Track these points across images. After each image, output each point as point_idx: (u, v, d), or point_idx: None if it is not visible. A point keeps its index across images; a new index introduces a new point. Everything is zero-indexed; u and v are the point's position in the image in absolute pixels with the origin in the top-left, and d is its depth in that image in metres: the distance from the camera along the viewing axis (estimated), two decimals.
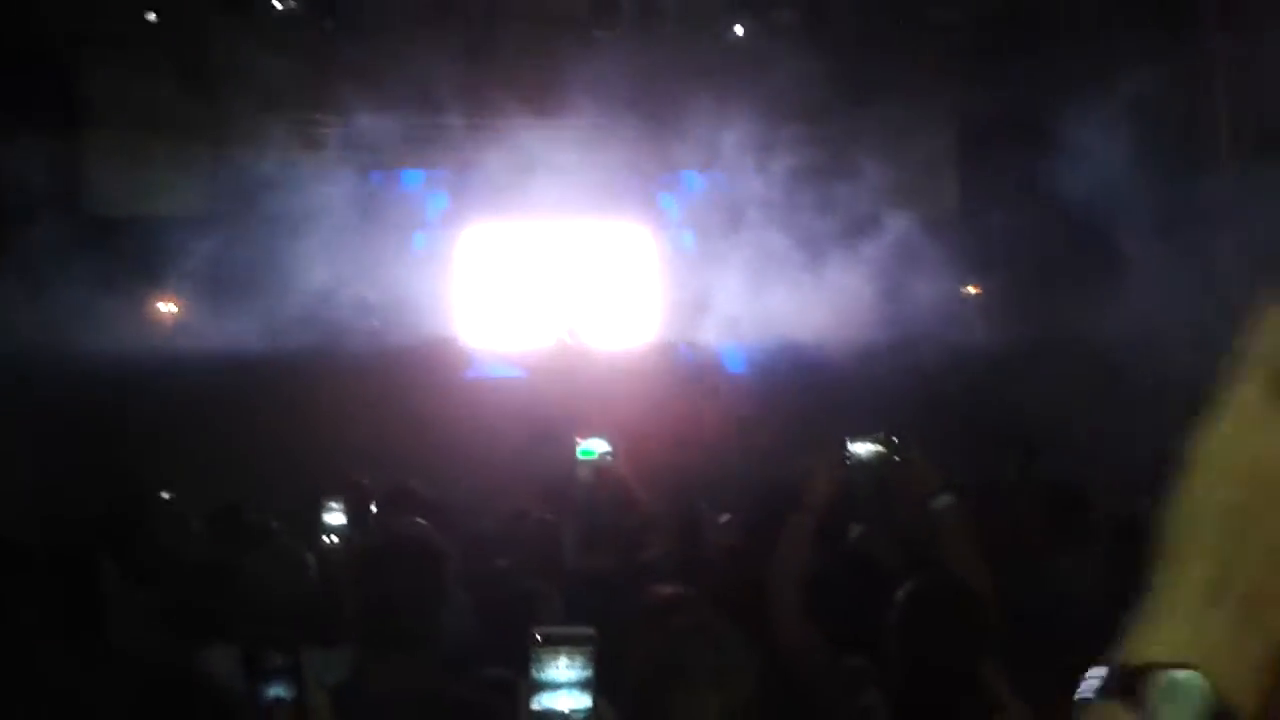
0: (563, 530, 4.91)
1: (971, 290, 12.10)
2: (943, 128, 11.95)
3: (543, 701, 1.64)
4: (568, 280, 12.13)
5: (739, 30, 11.01)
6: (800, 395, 10.32)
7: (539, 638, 1.63)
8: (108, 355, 9.82)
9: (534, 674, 1.61)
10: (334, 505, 4.54)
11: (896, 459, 3.31)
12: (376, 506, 5.28)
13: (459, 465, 8.23)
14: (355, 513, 4.76)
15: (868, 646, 2.87)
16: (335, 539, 4.32)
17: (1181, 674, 0.78)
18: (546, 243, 12.37)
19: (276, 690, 2.12)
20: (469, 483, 7.07)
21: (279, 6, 10.44)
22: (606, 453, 5.14)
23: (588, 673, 1.62)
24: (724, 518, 5.44)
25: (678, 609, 2.93)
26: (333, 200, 12.00)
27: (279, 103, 11.10)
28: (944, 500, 3.22)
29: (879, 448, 3.33)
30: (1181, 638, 0.80)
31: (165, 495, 5.04)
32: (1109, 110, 9.07)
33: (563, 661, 1.61)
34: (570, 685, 1.61)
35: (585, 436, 5.23)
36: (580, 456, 4.97)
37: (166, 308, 11.50)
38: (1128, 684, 0.79)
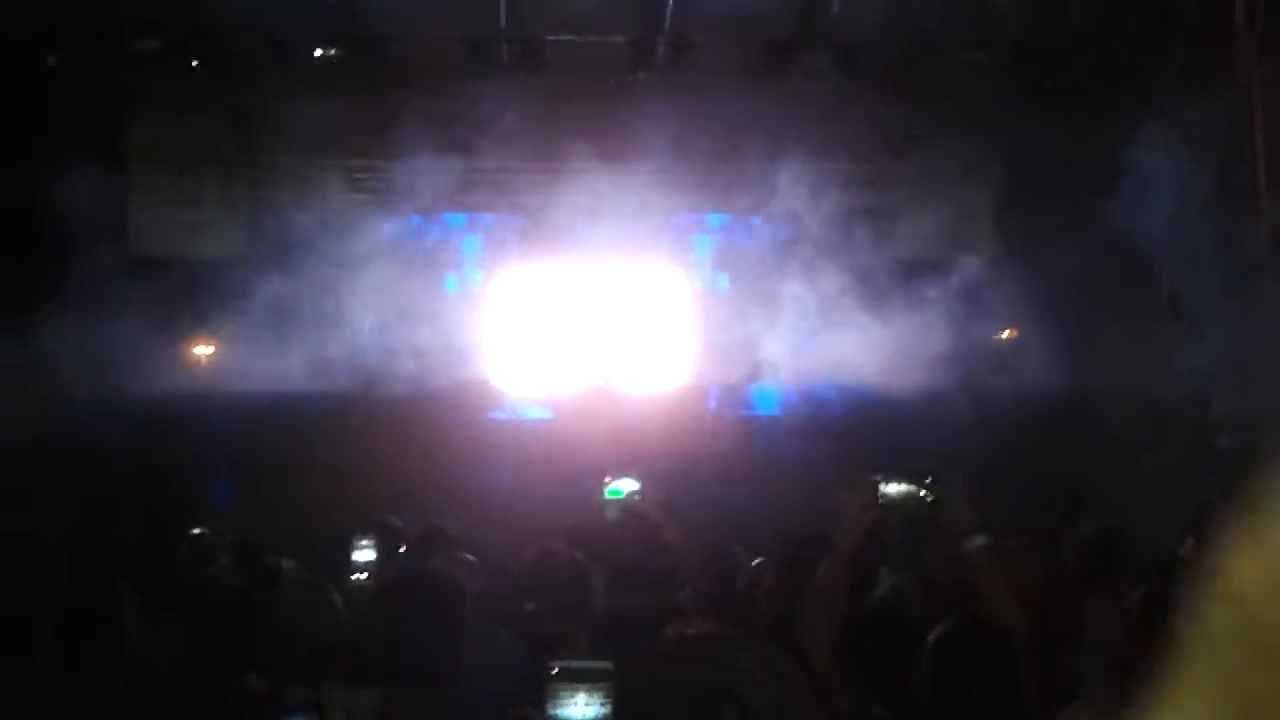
0: (591, 571, 4.85)
1: (1009, 334, 12.00)
2: (981, 171, 11.90)
3: None
4: (601, 323, 12.15)
5: (773, 74, 11.03)
6: (834, 439, 10.24)
7: (555, 671, 1.59)
8: (147, 393, 9.92)
9: (550, 710, 1.57)
10: (364, 544, 4.53)
11: (929, 499, 3.25)
12: (407, 547, 5.27)
13: (490, 506, 8.20)
14: (385, 552, 4.76)
15: (897, 690, 2.81)
16: (364, 577, 4.30)
17: None
18: (581, 285, 12.40)
19: None
20: (499, 524, 7.03)
21: (319, 54, 10.57)
22: (635, 492, 5.08)
23: (606, 709, 1.58)
24: (757, 561, 5.36)
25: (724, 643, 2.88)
26: (372, 243, 12.13)
27: (321, 147, 11.22)
28: (977, 541, 3.15)
29: (911, 488, 3.28)
30: None
31: (196, 531, 5.05)
32: (1150, 150, 9.00)
33: (581, 698, 1.56)
34: None
35: (614, 476, 5.18)
36: (608, 496, 4.92)
37: (205, 349, 11.60)
38: None
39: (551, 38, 10.85)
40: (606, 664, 1.65)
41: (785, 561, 4.24)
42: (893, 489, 3.28)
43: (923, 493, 3.27)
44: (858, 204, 12.13)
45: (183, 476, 9.41)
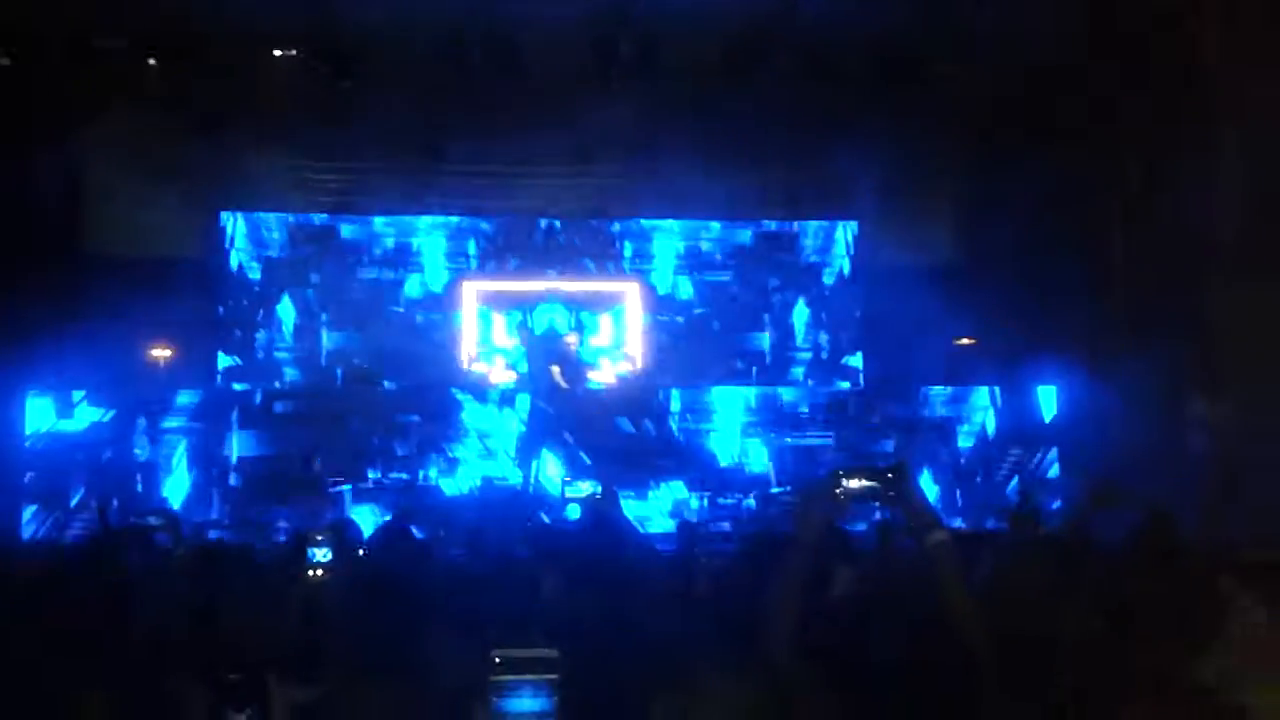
0: (550, 569, 4.79)
1: (966, 341, 12.08)
2: (945, 183, 11.95)
3: None
4: (563, 325, 12.06)
5: (736, 79, 10.96)
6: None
7: (498, 660, 1.49)
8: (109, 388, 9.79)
9: (495, 700, 1.47)
10: (322, 540, 4.46)
11: (891, 494, 3.18)
12: (367, 544, 5.15)
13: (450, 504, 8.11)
14: (344, 549, 4.69)
15: (861, 684, 2.75)
16: (321, 574, 4.21)
17: None
18: (543, 287, 12.31)
19: (241, 715, 2.00)
20: (459, 523, 6.94)
21: (280, 54, 10.39)
22: (596, 491, 5.03)
23: (552, 699, 1.49)
24: (710, 560, 5.34)
25: None
26: (337, 249, 11.99)
27: (285, 147, 11.06)
28: (938, 537, 3.09)
29: (872, 483, 3.21)
30: None
31: (152, 520, 4.92)
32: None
33: (527, 689, 1.47)
34: (534, 714, 1.47)
35: (575, 476, 5.12)
36: (570, 494, 4.86)
37: (160, 350, 11.39)
38: None
39: (518, 38, 10.73)
40: (552, 651, 1.56)
41: (746, 555, 4.19)
42: (854, 484, 3.21)
43: (884, 488, 3.21)
44: (812, 210, 12.18)
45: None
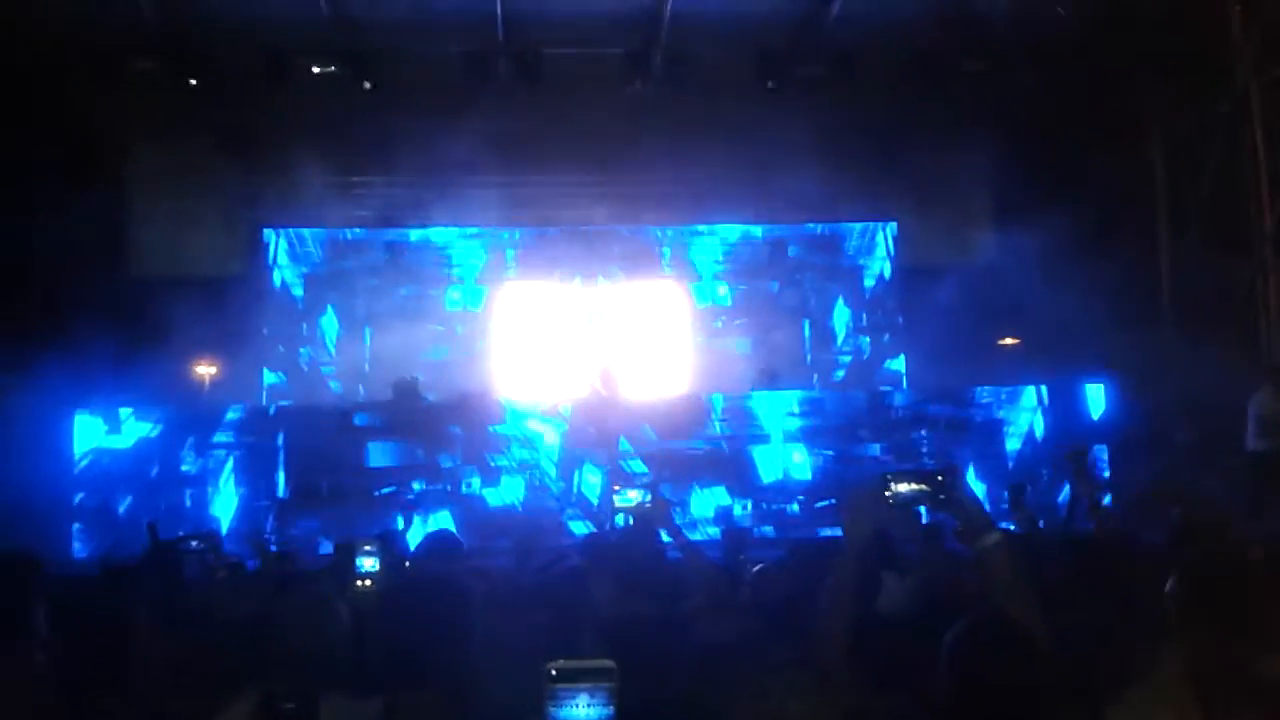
0: (597, 578, 4.76)
1: (1010, 341, 12.00)
2: (986, 180, 11.86)
3: None
4: (602, 334, 12.04)
5: (770, 85, 10.92)
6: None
7: (554, 672, 1.47)
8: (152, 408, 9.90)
9: (551, 711, 1.46)
10: (369, 551, 4.44)
11: (941, 497, 3.13)
12: (412, 554, 5.16)
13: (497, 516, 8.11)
14: (390, 561, 4.68)
15: (916, 687, 2.70)
16: (368, 585, 4.21)
17: None
18: (581, 297, 12.31)
19: None
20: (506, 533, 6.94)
21: (316, 71, 10.48)
22: (644, 500, 4.99)
23: (609, 709, 1.47)
24: (757, 567, 5.29)
25: None
26: (372, 260, 12.08)
27: (320, 163, 11.15)
28: (992, 538, 3.04)
29: (923, 486, 3.15)
30: None
31: (194, 543, 4.95)
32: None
33: (583, 699, 1.46)
34: None
35: (623, 485, 5.08)
36: (618, 504, 4.82)
37: (206, 368, 11.53)
38: None
39: (548, 51, 10.77)
40: (608, 662, 1.54)
41: (796, 560, 4.15)
42: (904, 487, 3.16)
43: (934, 491, 3.16)
44: (854, 213, 12.11)
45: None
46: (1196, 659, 2.40)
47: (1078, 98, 10.64)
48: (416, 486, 9.96)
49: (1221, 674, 2.35)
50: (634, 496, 5.01)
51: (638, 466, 9.91)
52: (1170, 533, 5.17)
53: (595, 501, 9.39)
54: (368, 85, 10.56)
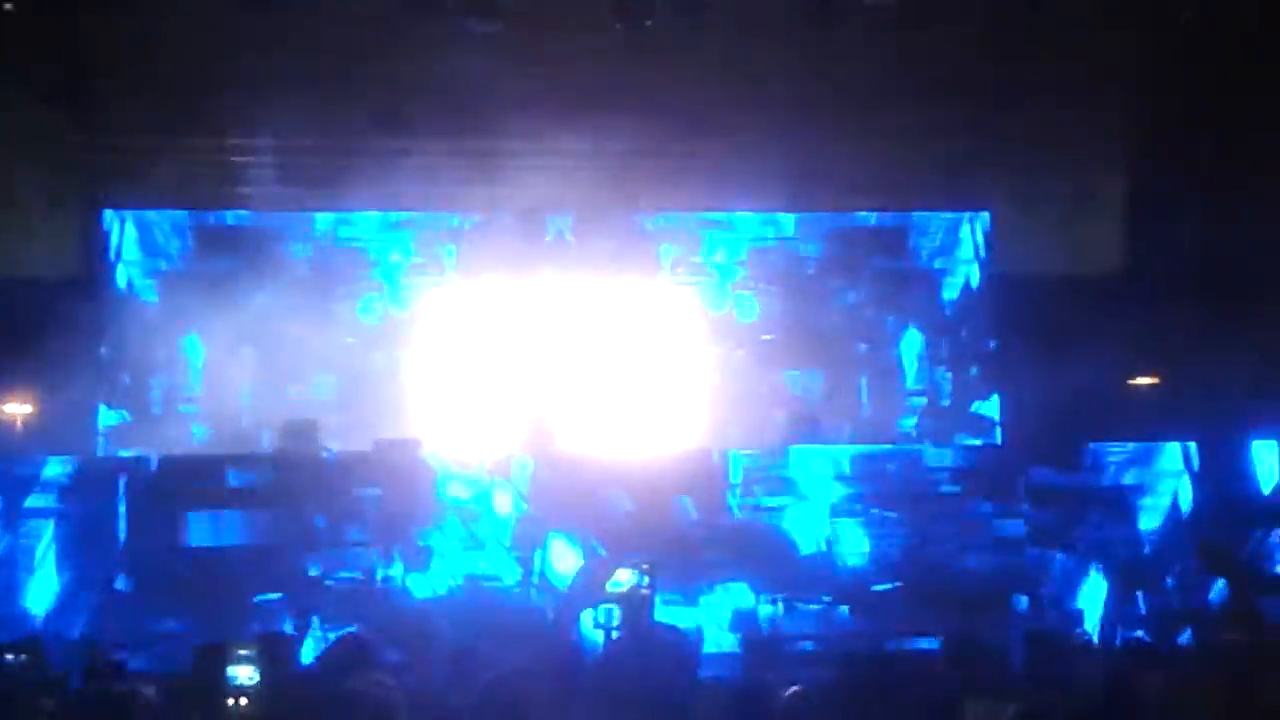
0: (571, 704, 4.76)
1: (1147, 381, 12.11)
2: (1110, 161, 11.99)
3: None
4: (572, 360, 12.16)
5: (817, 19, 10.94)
6: None
7: None
8: None
9: None
10: (245, 658, 4.46)
11: None
12: (320, 659, 5.36)
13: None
14: (277, 671, 4.73)
15: None
16: (244, 704, 4.21)
17: None
18: (545, 309, 12.38)
19: None
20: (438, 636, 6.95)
21: None
22: (641, 585, 4.95)
23: None
24: (793, 689, 5.34)
25: None
26: (255, 256, 12.05)
27: (180, 120, 11.14)
28: None
29: None
30: None
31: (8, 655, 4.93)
32: None
33: None
34: None
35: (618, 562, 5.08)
36: (610, 589, 4.82)
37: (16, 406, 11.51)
38: None
39: None
40: None
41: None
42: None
43: None
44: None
45: None
46: None
47: (1266, 56, 10.70)
48: (313, 572, 9.94)
49: None
50: (625, 579, 4.97)
51: (619, 547, 9.86)
52: None
53: (563, 587, 9.36)
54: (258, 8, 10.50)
